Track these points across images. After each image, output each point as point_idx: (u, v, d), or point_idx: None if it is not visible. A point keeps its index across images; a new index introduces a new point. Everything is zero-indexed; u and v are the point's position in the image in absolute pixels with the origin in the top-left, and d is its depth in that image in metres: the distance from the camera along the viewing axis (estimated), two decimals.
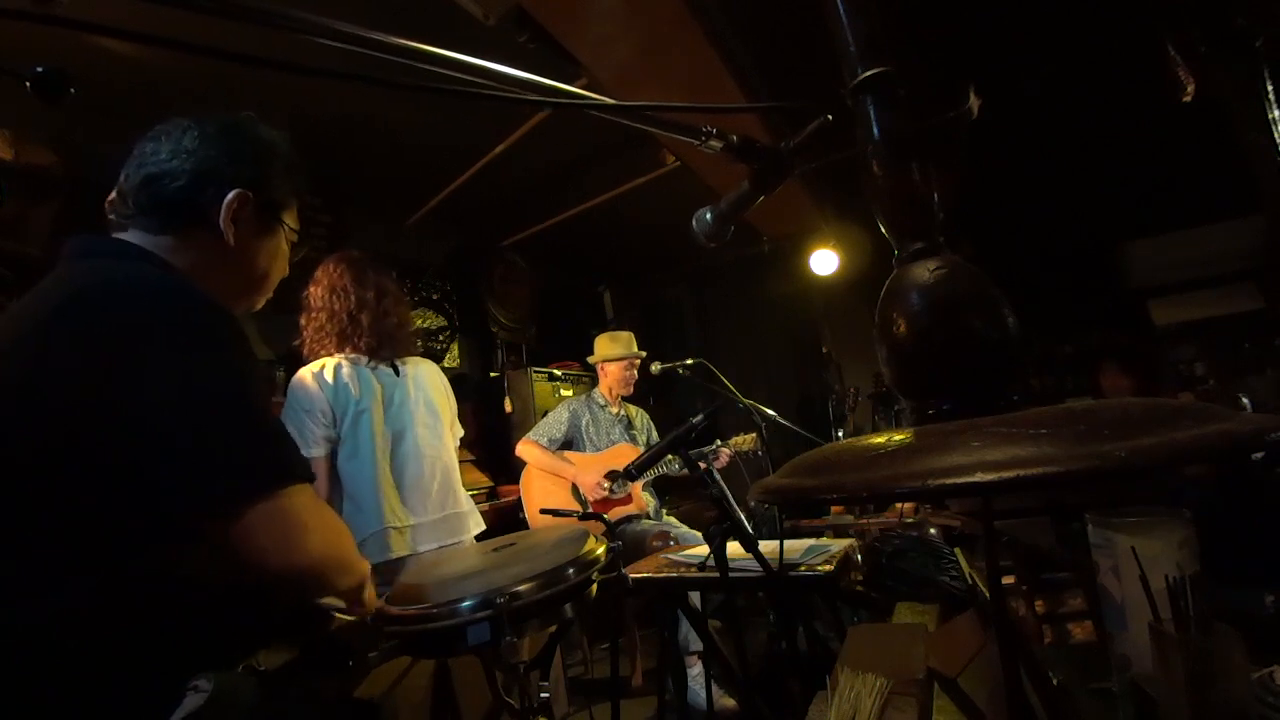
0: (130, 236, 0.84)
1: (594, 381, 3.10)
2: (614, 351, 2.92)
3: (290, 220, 0.97)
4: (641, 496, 2.79)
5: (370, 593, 0.94)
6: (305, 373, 1.73)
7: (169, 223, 0.85)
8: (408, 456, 1.78)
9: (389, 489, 1.72)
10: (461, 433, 2.03)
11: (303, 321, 1.83)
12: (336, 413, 1.70)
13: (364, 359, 1.78)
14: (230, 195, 0.86)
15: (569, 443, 2.88)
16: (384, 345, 1.81)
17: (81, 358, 0.67)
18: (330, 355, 1.77)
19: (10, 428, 0.65)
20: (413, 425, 1.81)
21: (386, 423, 1.76)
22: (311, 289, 1.83)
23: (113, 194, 0.87)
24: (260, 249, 0.93)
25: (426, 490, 1.80)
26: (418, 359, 1.93)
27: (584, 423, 2.89)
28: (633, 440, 2.92)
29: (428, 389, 1.89)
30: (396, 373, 1.84)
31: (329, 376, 1.71)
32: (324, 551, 0.74)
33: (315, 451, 1.66)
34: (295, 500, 0.72)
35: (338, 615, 0.93)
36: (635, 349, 2.94)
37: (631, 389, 2.96)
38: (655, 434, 3.06)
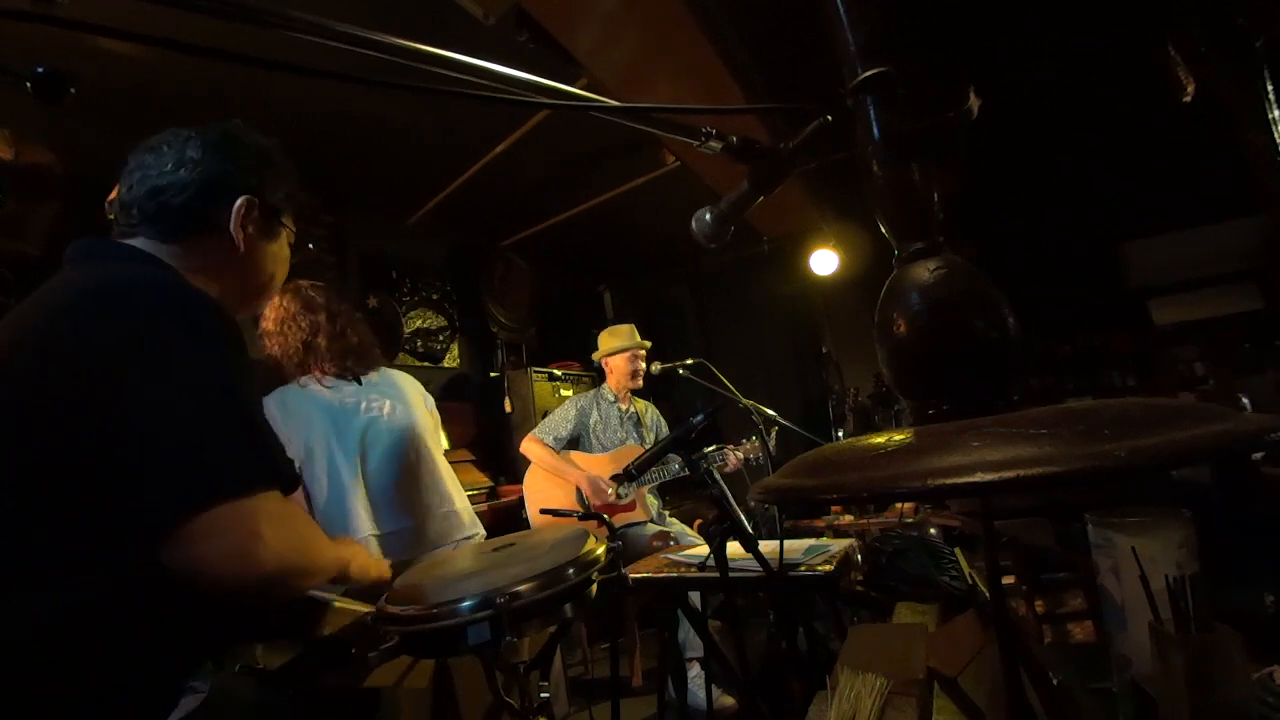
0: (136, 243, 0.85)
1: (595, 381, 3.07)
2: (616, 344, 2.86)
3: (289, 222, 0.99)
4: (646, 502, 2.73)
5: (358, 566, 0.94)
6: (268, 399, 1.69)
7: (177, 231, 0.85)
8: (379, 464, 1.71)
9: (360, 504, 1.64)
10: (445, 445, 1.94)
11: (263, 359, 1.75)
12: (293, 438, 1.64)
13: (328, 379, 1.74)
14: (239, 201, 0.88)
15: (575, 441, 2.81)
16: (349, 364, 1.77)
17: (83, 358, 0.67)
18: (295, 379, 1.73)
19: (12, 427, 0.66)
20: (381, 433, 1.74)
21: (347, 441, 1.69)
22: (263, 326, 1.77)
23: (112, 197, 0.88)
24: (266, 253, 0.95)
25: (408, 498, 1.72)
26: (392, 370, 1.88)
27: (592, 421, 2.82)
28: (641, 440, 2.85)
29: (403, 393, 1.84)
30: (359, 383, 1.78)
31: (274, 405, 1.67)
32: (280, 563, 0.68)
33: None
34: (255, 507, 0.67)
35: (338, 607, 0.93)
36: (638, 339, 2.88)
37: (640, 381, 2.87)
38: (665, 428, 3.00)
